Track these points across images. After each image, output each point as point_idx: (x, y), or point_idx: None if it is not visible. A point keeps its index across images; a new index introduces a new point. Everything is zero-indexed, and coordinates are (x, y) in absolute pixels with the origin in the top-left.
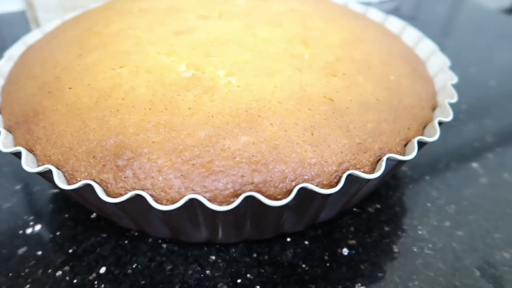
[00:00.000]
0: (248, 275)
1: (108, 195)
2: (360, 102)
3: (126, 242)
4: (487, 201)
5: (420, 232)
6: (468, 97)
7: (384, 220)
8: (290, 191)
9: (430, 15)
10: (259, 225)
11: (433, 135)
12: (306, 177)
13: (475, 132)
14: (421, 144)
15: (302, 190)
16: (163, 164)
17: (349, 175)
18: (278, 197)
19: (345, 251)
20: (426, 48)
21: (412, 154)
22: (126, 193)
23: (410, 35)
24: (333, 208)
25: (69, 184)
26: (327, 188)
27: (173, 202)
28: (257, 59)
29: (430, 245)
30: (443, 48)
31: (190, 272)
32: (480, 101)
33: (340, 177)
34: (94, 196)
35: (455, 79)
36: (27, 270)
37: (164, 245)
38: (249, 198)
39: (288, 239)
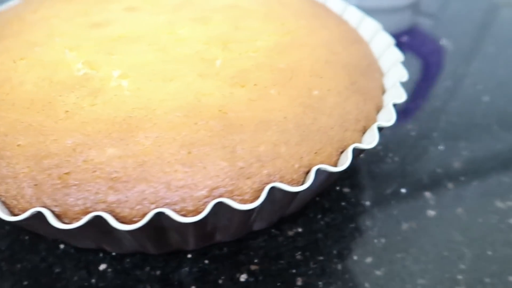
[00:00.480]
0: None
1: None
2: (260, 119)
3: (27, 238)
4: (426, 238)
5: (334, 265)
6: (453, 112)
7: (299, 246)
8: (147, 213)
9: (455, 15)
10: (119, 242)
11: (343, 163)
12: (168, 200)
13: (443, 155)
14: (322, 172)
15: (160, 215)
16: (20, 171)
17: (219, 203)
18: (134, 219)
19: (243, 277)
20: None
21: (305, 184)
22: None
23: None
24: (198, 239)
25: None
26: (192, 215)
27: (24, 212)
28: (161, 61)
29: (339, 283)
30: (460, 54)
31: (76, 278)
32: (463, 118)
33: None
34: None
35: (405, 77)
36: None
37: (62, 246)
38: (97, 218)
39: (189, 256)
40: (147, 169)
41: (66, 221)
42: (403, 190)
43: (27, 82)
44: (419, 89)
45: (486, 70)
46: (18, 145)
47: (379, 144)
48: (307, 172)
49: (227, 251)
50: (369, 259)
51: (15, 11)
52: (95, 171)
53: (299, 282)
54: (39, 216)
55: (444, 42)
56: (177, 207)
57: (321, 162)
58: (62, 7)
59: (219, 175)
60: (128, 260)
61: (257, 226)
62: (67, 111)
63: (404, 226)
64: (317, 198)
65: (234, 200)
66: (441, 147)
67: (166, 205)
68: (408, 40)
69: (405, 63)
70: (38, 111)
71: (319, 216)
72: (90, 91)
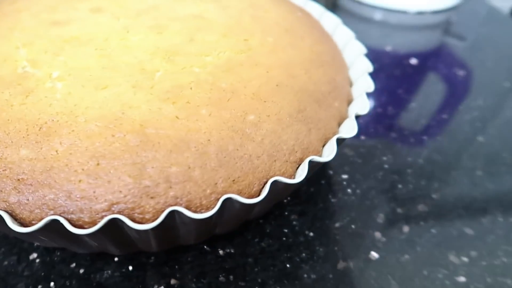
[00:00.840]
0: (51, 283)
1: None
2: (180, 139)
3: None
4: (359, 282)
5: None
6: (438, 148)
7: (226, 268)
8: (43, 218)
9: (483, 41)
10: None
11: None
12: (65, 208)
13: (410, 194)
14: (234, 201)
15: (54, 222)
16: None
17: (113, 219)
18: (33, 222)
19: None
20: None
21: (211, 211)
22: None
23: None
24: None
25: None
26: (88, 227)
27: None
28: (101, 67)
29: None
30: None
31: (5, 263)
32: (447, 157)
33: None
34: None
35: (365, 110)
36: None
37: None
38: None
39: (116, 259)
40: (53, 175)
41: None
42: (352, 226)
43: None
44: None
45: (493, 107)
46: None
47: (345, 172)
48: (219, 198)
49: (153, 260)
50: None
51: None
52: (5, 170)
53: None
54: None
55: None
56: (74, 217)
57: (239, 191)
58: (38, 0)
59: (121, 191)
60: (58, 253)
61: (183, 241)
62: None
63: (341, 264)
64: (261, 221)
65: (134, 218)
66: (410, 186)
67: (63, 213)
68: (433, 60)
69: (426, 85)
70: None
71: (257, 239)
72: (23, 89)
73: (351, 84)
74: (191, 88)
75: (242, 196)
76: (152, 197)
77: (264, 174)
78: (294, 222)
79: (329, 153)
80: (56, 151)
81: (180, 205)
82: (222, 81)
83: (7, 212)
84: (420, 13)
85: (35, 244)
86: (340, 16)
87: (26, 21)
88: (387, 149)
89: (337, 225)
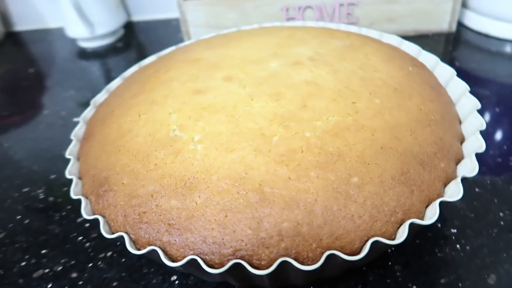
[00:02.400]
0: None
1: (91, 210)
2: (292, 197)
3: None
4: None
5: None
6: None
7: None
8: (185, 257)
9: None
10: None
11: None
12: (201, 250)
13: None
14: (336, 257)
15: (193, 261)
16: (119, 203)
17: (238, 263)
18: (178, 258)
19: None
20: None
21: (317, 263)
22: (96, 214)
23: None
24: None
25: (81, 194)
26: (217, 267)
27: (116, 232)
28: (230, 132)
29: None
30: None
31: (154, 281)
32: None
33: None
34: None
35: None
36: None
37: None
38: (153, 251)
39: None
40: (193, 222)
41: (137, 246)
42: (459, 284)
43: (140, 134)
44: None
45: None
46: (122, 184)
47: (455, 226)
48: (324, 253)
49: None
50: None
51: (155, 68)
52: (160, 215)
53: None
54: (122, 239)
55: None
56: (207, 258)
57: (341, 247)
58: (185, 69)
59: (243, 240)
60: (192, 278)
61: (292, 281)
62: (155, 164)
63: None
64: (364, 268)
65: (253, 263)
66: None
67: (200, 254)
68: None
69: None
70: (139, 160)
71: (359, 286)
72: (174, 150)
73: (462, 141)
74: (302, 152)
75: (343, 252)
76: (267, 247)
77: (366, 233)
78: (398, 273)
79: (432, 215)
80: (196, 203)
81: (290, 256)
82: (330, 145)
83: (160, 248)
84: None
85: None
86: (465, 50)
87: (176, 89)
88: (505, 204)
89: (442, 281)
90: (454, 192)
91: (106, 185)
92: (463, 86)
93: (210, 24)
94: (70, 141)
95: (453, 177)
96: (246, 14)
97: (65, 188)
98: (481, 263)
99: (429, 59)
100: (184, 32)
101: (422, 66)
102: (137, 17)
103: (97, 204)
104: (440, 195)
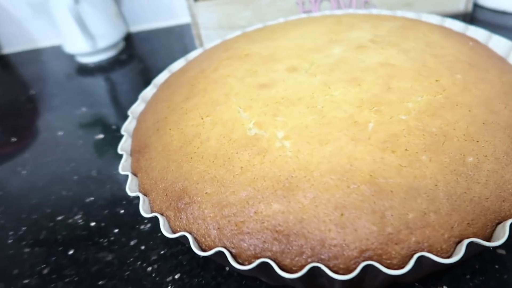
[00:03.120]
0: None
1: (170, 227)
2: (410, 186)
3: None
4: None
5: None
6: None
7: None
8: (304, 266)
9: None
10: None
11: (499, 238)
12: (323, 256)
13: None
14: (475, 245)
15: (315, 269)
16: (207, 215)
17: (368, 266)
18: (294, 268)
19: None
20: None
21: (455, 257)
22: (179, 231)
23: None
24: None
25: (150, 211)
26: (342, 273)
27: (210, 248)
28: (318, 123)
29: None
30: None
31: None
32: None
33: (359, 264)
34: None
35: None
36: None
37: (227, 269)
38: (263, 264)
39: None
40: (305, 225)
41: (240, 261)
42: None
43: (211, 138)
44: None
45: None
46: (206, 193)
47: None
48: (458, 242)
49: None
50: None
51: (199, 68)
52: (263, 223)
53: None
54: (220, 254)
55: None
56: (330, 264)
57: (474, 234)
58: (237, 65)
59: (368, 239)
60: None
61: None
62: (242, 167)
63: None
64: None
65: (383, 263)
66: None
67: (320, 260)
68: None
69: None
70: (220, 165)
71: (468, 276)
72: (259, 150)
73: None
74: (404, 136)
75: (478, 238)
76: (396, 243)
77: (496, 216)
78: (504, 258)
79: None
80: (302, 204)
81: (423, 250)
82: (431, 126)
83: (272, 259)
84: None
85: (257, 282)
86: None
87: (236, 86)
88: None
89: None
90: None
91: (187, 197)
92: None
93: (222, 25)
94: (95, 160)
95: None
96: (261, 11)
97: (106, 211)
98: None
99: (479, 34)
100: (195, 35)
101: (477, 41)
102: (136, 28)
103: (179, 220)
104: None
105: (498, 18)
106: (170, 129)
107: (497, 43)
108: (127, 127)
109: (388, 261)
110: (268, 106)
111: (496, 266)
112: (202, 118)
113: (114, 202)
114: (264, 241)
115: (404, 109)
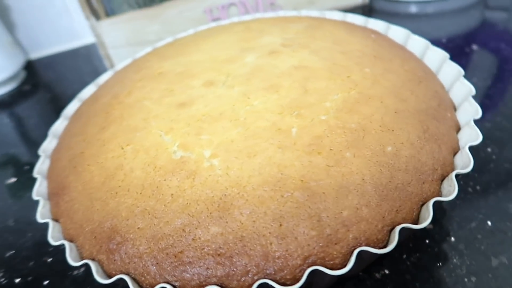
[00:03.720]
0: None
1: (105, 273)
2: (340, 184)
3: None
4: None
5: None
6: None
7: None
8: (252, 284)
9: None
10: None
11: (425, 219)
12: (268, 271)
13: None
14: (406, 230)
15: (263, 285)
16: (143, 251)
17: (313, 271)
18: None
19: None
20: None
21: (390, 245)
22: (115, 274)
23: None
24: None
25: (80, 258)
26: (290, 283)
27: (152, 286)
28: (243, 136)
29: None
30: None
31: None
32: None
33: (305, 271)
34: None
35: (478, 114)
36: None
37: None
38: None
39: None
40: (246, 243)
41: None
42: (489, 223)
43: (136, 168)
44: (494, 97)
45: None
46: (138, 228)
47: None
48: (391, 230)
49: None
50: None
51: (112, 93)
52: (203, 249)
53: None
54: None
55: None
56: (277, 276)
57: (403, 219)
58: (151, 86)
59: (310, 244)
60: None
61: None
62: (172, 194)
63: (494, 262)
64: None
65: (326, 265)
66: None
67: (266, 275)
68: (480, 37)
69: (479, 63)
70: (149, 195)
71: (404, 256)
72: (187, 173)
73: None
74: (327, 136)
75: (407, 223)
76: (336, 243)
77: (419, 198)
78: (431, 232)
79: (465, 163)
80: (240, 221)
81: (361, 244)
82: (350, 122)
83: (218, 285)
84: None
85: None
86: (381, 18)
87: (153, 109)
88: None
89: (472, 225)
90: (471, 136)
91: (118, 236)
92: (423, 43)
93: (131, 42)
94: (9, 208)
95: (459, 125)
96: (169, 23)
97: (31, 262)
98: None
99: (379, 26)
100: (103, 56)
101: (378, 32)
102: (36, 54)
103: (113, 263)
104: (458, 143)
105: (393, 6)
106: (88, 165)
107: (395, 32)
108: (40, 168)
109: (331, 262)
110: (190, 125)
111: (427, 241)
112: (123, 148)
113: (39, 251)
114: (207, 268)
115: (323, 109)
